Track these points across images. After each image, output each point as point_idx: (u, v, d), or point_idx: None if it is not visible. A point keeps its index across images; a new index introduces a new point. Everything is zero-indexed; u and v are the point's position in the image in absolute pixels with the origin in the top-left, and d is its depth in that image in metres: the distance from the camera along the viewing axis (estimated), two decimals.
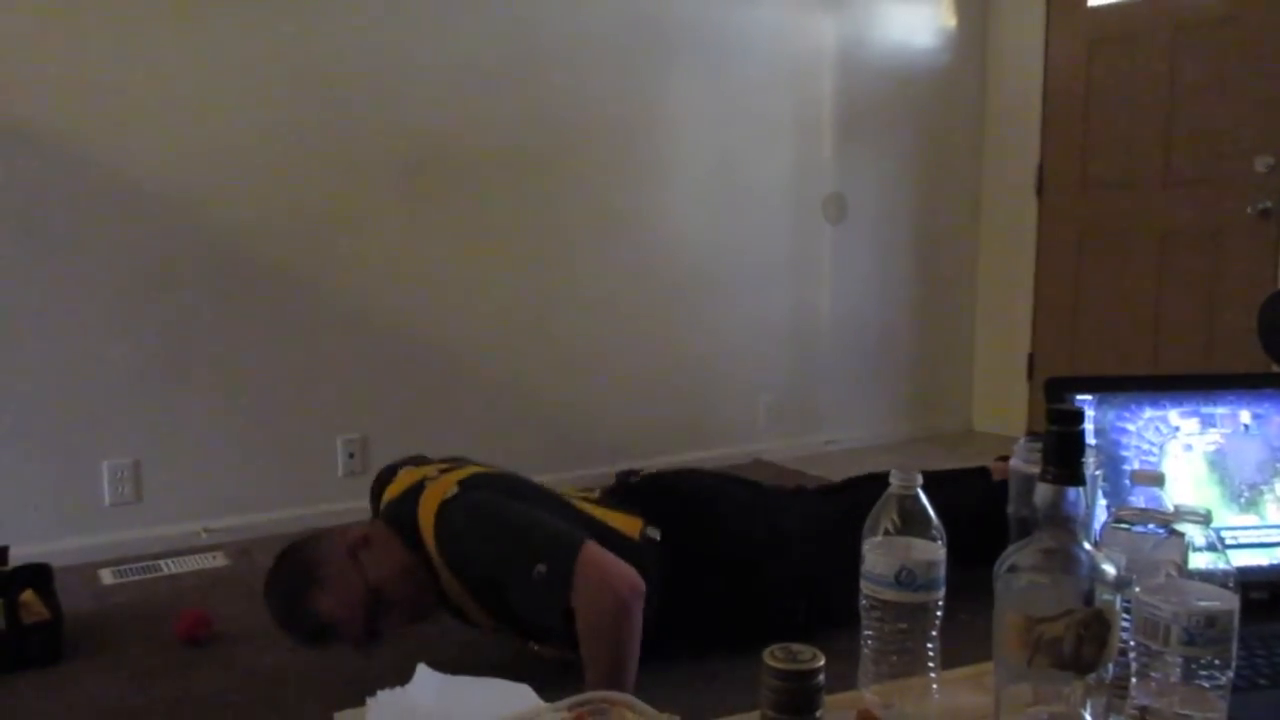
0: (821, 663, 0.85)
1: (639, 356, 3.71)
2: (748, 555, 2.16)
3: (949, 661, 0.99)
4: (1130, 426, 1.16)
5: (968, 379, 4.56)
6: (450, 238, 3.32)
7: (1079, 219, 4.12)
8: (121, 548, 2.86)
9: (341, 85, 3.09)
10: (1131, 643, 0.85)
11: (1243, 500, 1.18)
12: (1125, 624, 0.85)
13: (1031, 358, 4.32)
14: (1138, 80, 3.87)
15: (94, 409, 2.84)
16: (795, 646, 0.87)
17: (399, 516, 2.00)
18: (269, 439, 3.08)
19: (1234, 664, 0.83)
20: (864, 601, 0.96)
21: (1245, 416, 1.17)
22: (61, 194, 2.76)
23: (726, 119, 3.78)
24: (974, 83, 4.37)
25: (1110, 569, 0.81)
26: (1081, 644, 0.79)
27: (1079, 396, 1.16)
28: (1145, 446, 1.16)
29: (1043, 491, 0.82)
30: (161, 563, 2.81)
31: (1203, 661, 0.82)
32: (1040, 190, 4.23)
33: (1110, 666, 0.81)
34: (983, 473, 2.48)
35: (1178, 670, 0.82)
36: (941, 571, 0.95)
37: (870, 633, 0.96)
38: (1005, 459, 1.06)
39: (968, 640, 1.04)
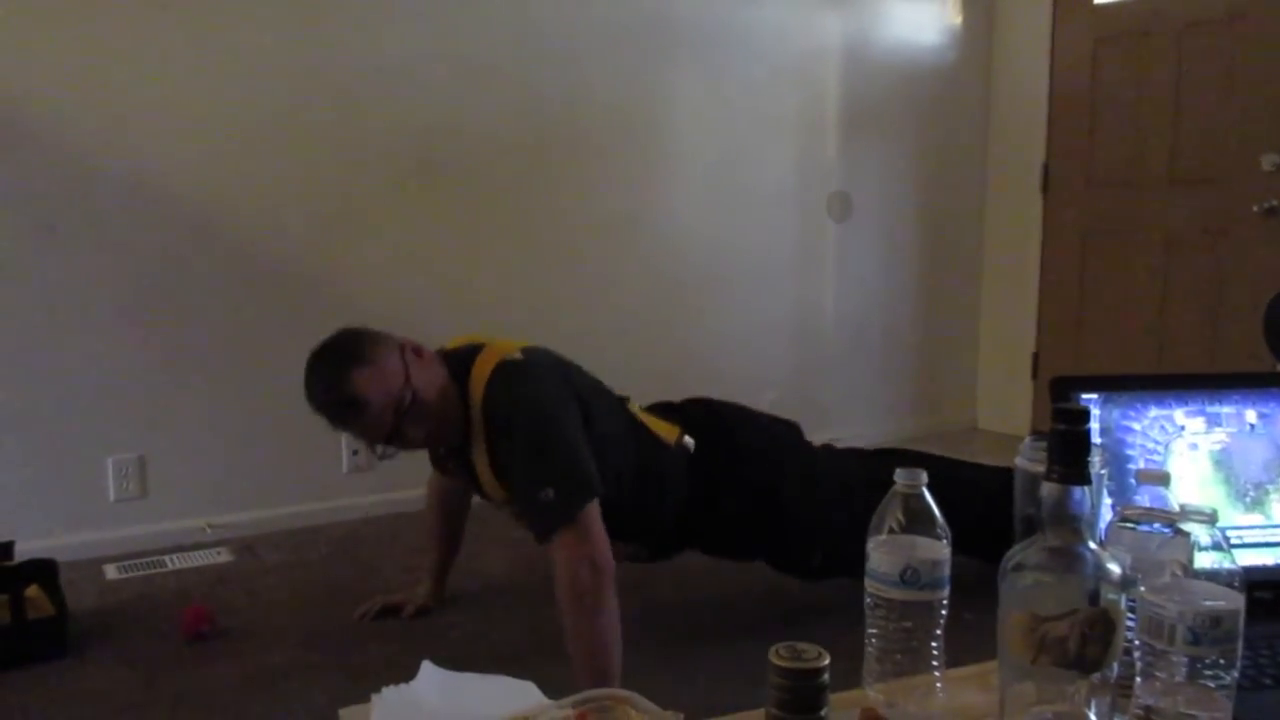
0: (826, 661, 0.85)
1: (642, 352, 3.70)
2: (776, 486, 2.24)
3: (953, 660, 0.99)
4: (1136, 425, 1.16)
5: (972, 377, 4.55)
6: (454, 233, 3.32)
7: (1084, 217, 4.11)
8: (126, 543, 2.86)
9: (349, 82, 3.09)
10: (1136, 642, 0.85)
11: (1248, 499, 1.17)
12: (1130, 623, 0.84)
13: (1036, 356, 4.31)
14: (1144, 78, 3.86)
15: (99, 405, 2.85)
16: (800, 645, 0.87)
17: (456, 358, 2.06)
18: (274, 435, 3.08)
19: (1239, 664, 0.83)
20: (868, 600, 0.96)
21: (1251, 416, 1.17)
22: (68, 190, 2.76)
23: (731, 116, 3.78)
24: (979, 81, 4.36)
25: (1115, 568, 0.81)
26: (1086, 643, 0.79)
27: (1084, 395, 1.16)
28: (1151, 445, 1.16)
29: (1048, 490, 0.82)
30: (166, 558, 2.82)
31: (1208, 661, 0.81)
32: (1045, 188, 4.22)
33: (1115, 666, 0.81)
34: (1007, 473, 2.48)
35: (1182, 670, 0.82)
36: (946, 570, 0.95)
37: (875, 631, 0.96)
38: None
39: (972, 639, 1.04)
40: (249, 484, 3.05)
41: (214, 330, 2.98)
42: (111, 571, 2.73)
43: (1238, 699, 0.83)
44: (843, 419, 4.17)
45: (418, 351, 2.01)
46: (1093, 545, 0.82)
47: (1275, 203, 3.52)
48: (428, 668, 1.14)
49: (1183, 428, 1.16)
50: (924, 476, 0.95)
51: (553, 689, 1.06)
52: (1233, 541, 0.88)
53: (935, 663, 0.96)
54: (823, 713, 0.85)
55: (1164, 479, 0.96)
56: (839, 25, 3.99)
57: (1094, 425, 1.13)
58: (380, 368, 1.93)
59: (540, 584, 2.13)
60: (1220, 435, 1.17)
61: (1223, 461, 1.17)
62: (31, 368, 2.76)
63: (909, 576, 0.93)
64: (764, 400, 3.96)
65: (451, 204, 3.31)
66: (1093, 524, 0.85)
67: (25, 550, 2.38)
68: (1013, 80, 4.31)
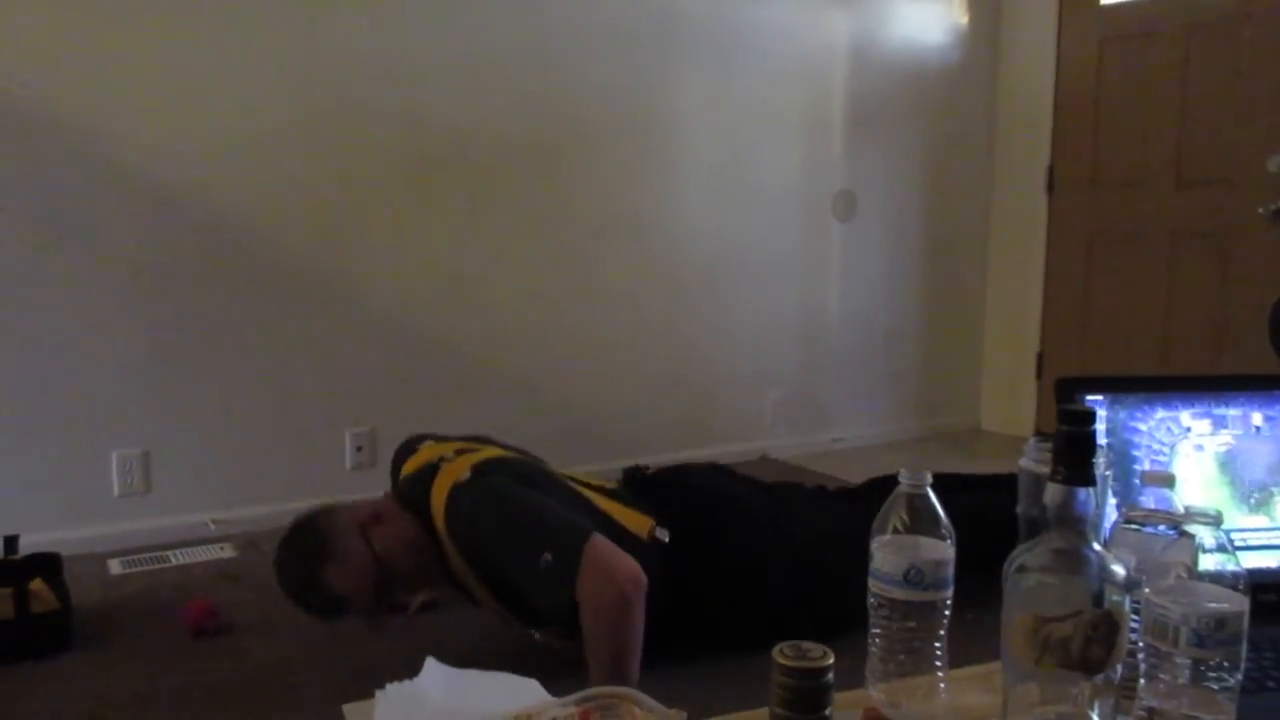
0: (831, 661, 0.85)
1: (647, 351, 3.71)
2: (754, 565, 2.15)
3: (956, 661, 0.99)
4: (1142, 427, 1.16)
5: (976, 377, 4.55)
6: (459, 232, 3.33)
7: (1089, 218, 4.11)
8: (130, 538, 2.87)
9: (354, 79, 3.09)
10: (1140, 644, 0.85)
11: (1253, 502, 1.17)
12: (1134, 625, 0.84)
13: (1040, 357, 4.31)
14: (1149, 79, 3.86)
15: (104, 399, 2.85)
16: (805, 644, 0.87)
17: (412, 495, 2.04)
18: (278, 431, 3.09)
19: (1243, 666, 0.83)
20: (872, 600, 0.96)
21: (1257, 418, 1.17)
22: (72, 185, 2.77)
23: (737, 115, 3.78)
24: (985, 81, 4.35)
25: (1120, 570, 0.81)
26: (1090, 644, 0.79)
27: (1090, 397, 1.16)
28: (1156, 447, 1.16)
29: (1053, 491, 0.82)
30: (170, 553, 2.82)
31: (1212, 663, 0.81)
32: (1051, 189, 4.22)
33: (1118, 667, 0.81)
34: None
35: (1186, 672, 0.82)
36: (950, 570, 0.95)
37: (878, 631, 0.96)
38: None
39: (975, 639, 1.04)
40: (253, 479, 3.06)
41: (218, 326, 2.98)
42: (115, 566, 2.73)
43: (1241, 701, 0.83)
44: (846, 418, 4.17)
45: (376, 518, 1.98)
46: (1097, 547, 0.82)
47: None
48: (431, 664, 1.14)
49: (1189, 429, 1.16)
50: (928, 476, 0.95)
51: (556, 686, 1.06)
52: (1237, 544, 0.88)
53: (938, 663, 0.96)
54: (826, 712, 0.85)
55: (1169, 481, 0.96)
56: (845, 25, 3.99)
57: (1100, 426, 1.13)
58: (346, 562, 1.91)
59: None
60: (1226, 437, 1.17)
61: (1228, 463, 1.17)
62: (36, 363, 2.76)
63: (913, 577, 0.93)
64: (767, 400, 3.99)
65: (458, 204, 3.31)
66: (1097, 525, 0.85)
67: (30, 544, 2.38)
68: (1018, 80, 4.30)
